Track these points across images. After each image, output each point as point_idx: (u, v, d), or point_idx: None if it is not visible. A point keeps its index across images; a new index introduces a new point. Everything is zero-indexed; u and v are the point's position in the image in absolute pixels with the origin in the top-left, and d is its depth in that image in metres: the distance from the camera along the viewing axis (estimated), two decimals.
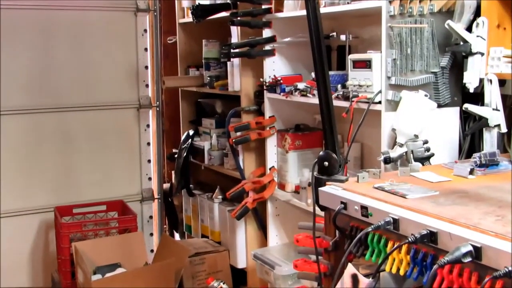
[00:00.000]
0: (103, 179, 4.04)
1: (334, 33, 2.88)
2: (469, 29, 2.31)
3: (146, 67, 4.12)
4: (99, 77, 3.97)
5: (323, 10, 2.60)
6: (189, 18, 3.90)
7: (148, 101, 4.13)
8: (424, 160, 2.24)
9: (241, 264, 3.56)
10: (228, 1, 3.31)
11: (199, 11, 3.43)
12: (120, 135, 4.07)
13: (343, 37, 2.81)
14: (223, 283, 3.34)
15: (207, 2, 3.59)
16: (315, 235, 1.83)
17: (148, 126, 4.18)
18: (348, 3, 2.58)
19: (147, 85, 4.14)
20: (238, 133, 3.32)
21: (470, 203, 1.51)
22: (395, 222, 1.45)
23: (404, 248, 1.41)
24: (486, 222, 1.32)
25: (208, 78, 3.76)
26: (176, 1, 4.16)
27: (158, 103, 4.18)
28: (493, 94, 2.23)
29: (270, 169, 3.26)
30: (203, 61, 3.84)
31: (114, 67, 4.02)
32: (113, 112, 4.03)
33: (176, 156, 4.08)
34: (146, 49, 4.11)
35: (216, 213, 3.77)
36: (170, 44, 4.30)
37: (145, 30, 4.10)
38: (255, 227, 3.47)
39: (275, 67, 3.17)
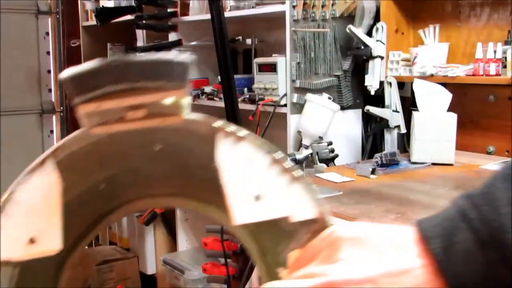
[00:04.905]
0: (4, 188, 3.87)
1: (240, 37, 2.89)
2: (369, 33, 2.38)
3: (49, 71, 3.99)
4: None
5: (228, 14, 2.61)
6: (93, 21, 3.82)
7: (51, 106, 4.00)
8: (328, 161, 2.29)
9: (150, 270, 3.51)
10: (133, 4, 3.26)
11: (103, 14, 3.37)
12: (22, 142, 3.92)
13: (248, 41, 2.84)
14: None
15: (111, 5, 3.52)
16: (224, 238, 1.83)
17: (51, 132, 4.04)
18: (253, 7, 2.61)
19: (50, 90, 4.01)
20: None
21: (372, 201, 1.56)
22: None
23: None
24: (387, 220, 1.36)
25: None
26: (79, 3, 4.06)
27: (62, 108, 4.06)
28: (392, 97, 2.32)
29: None
30: None
31: (15, 71, 3.87)
32: (13, 118, 3.88)
33: None
34: (48, 53, 3.98)
35: (124, 220, 3.70)
36: (74, 47, 4.19)
37: (47, 33, 3.97)
38: (164, 233, 3.43)
39: None
